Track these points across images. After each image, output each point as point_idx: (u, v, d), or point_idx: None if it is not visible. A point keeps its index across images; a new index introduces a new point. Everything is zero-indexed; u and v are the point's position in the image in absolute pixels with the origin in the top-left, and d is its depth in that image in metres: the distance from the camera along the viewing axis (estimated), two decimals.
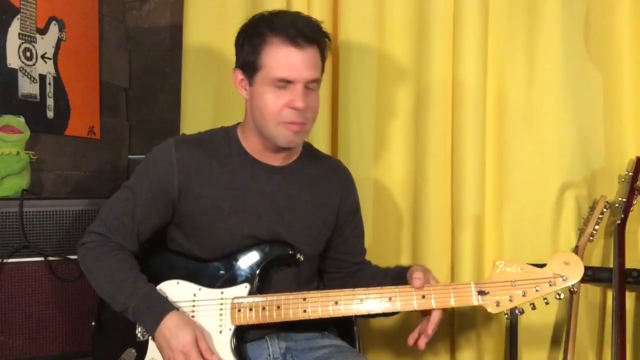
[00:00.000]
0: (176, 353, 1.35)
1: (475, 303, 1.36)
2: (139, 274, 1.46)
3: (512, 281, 1.36)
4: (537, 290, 1.35)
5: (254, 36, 1.45)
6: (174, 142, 1.52)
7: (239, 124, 1.59)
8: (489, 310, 1.36)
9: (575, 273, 1.35)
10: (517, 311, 1.38)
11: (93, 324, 1.56)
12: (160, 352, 1.39)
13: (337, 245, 1.66)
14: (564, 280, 1.35)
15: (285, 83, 1.42)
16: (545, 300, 1.37)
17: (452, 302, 1.38)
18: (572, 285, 1.35)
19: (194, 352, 1.35)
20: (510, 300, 1.35)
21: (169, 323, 1.37)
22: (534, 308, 1.37)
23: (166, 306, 1.40)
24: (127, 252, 1.50)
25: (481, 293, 1.36)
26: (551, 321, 1.98)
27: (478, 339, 2.01)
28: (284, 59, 1.41)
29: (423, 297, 1.38)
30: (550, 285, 1.35)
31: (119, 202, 1.52)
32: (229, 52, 2.20)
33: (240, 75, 1.50)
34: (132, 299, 1.41)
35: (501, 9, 2.02)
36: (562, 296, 1.35)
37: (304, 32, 1.41)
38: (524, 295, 1.35)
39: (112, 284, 1.44)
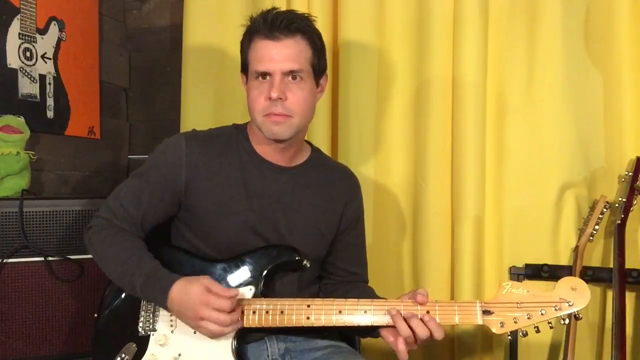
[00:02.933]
0: (198, 309, 1.33)
1: (480, 322, 1.34)
2: (143, 252, 1.46)
3: (517, 303, 1.34)
4: (542, 314, 1.33)
5: (244, 37, 1.51)
6: (184, 136, 1.54)
7: (249, 122, 1.58)
8: (493, 330, 1.34)
9: (581, 299, 1.33)
10: (520, 333, 1.36)
11: (95, 315, 1.55)
12: (185, 322, 1.40)
13: (336, 251, 1.65)
14: (570, 305, 1.33)
15: (265, 76, 1.45)
16: (550, 325, 1.36)
17: (457, 320, 1.37)
18: (577, 311, 1.34)
19: (212, 298, 1.34)
20: (515, 322, 1.34)
21: (176, 290, 1.37)
22: (537, 331, 1.36)
23: (172, 277, 1.40)
24: (132, 234, 1.51)
25: (486, 313, 1.35)
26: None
27: (479, 354, 2.01)
28: (261, 52, 1.45)
29: (428, 312, 1.36)
30: (556, 309, 1.33)
31: (127, 190, 1.53)
32: (229, 52, 2.23)
33: (244, 78, 1.54)
34: (138, 277, 1.41)
35: (501, 9, 2.02)
36: (566, 321, 1.34)
37: (280, 24, 1.43)
38: (528, 318, 1.33)
39: (117, 264, 1.45)
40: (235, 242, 1.50)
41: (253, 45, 1.47)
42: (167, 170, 1.50)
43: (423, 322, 1.35)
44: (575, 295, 1.33)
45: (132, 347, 1.45)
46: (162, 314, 1.46)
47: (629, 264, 1.82)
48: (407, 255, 2.11)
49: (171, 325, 1.45)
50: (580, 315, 1.34)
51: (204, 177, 1.50)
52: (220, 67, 2.26)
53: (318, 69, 1.51)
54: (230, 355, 1.41)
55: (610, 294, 1.88)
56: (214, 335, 1.38)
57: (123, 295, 1.51)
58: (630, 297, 1.90)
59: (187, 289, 1.36)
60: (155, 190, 1.50)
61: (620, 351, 1.71)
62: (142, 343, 1.45)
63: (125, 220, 1.50)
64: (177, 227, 1.58)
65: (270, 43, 1.44)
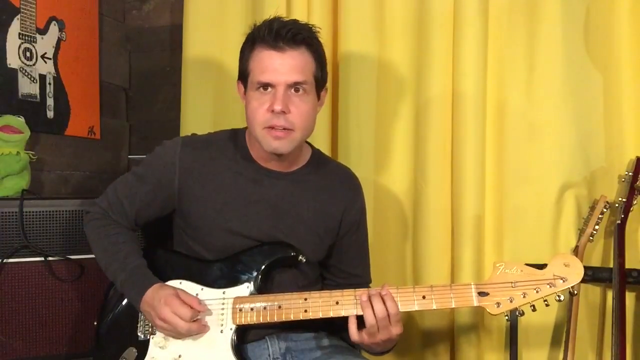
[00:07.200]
0: (160, 309, 1.37)
1: (476, 304, 1.36)
2: (132, 248, 1.51)
3: (512, 282, 1.36)
4: (537, 292, 1.35)
5: (244, 46, 1.48)
6: (181, 141, 1.55)
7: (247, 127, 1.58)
8: (489, 311, 1.36)
9: (575, 275, 1.35)
10: (517, 313, 1.38)
11: (95, 323, 1.56)
12: (151, 322, 1.43)
13: (336, 254, 1.65)
14: (564, 281, 1.35)
15: (267, 87, 1.42)
16: (546, 302, 1.37)
17: (453, 303, 1.38)
18: (572, 287, 1.35)
19: (176, 302, 1.38)
20: (511, 302, 1.35)
21: (151, 293, 1.41)
22: (534, 310, 1.37)
23: (150, 281, 1.44)
24: (125, 227, 1.55)
25: (481, 294, 1.36)
26: (551, 322, 1.99)
27: (478, 340, 2.01)
28: (264, 62, 1.42)
29: (423, 297, 1.38)
30: (550, 286, 1.34)
31: (124, 185, 1.58)
32: (229, 52, 2.23)
33: (241, 87, 1.52)
34: (121, 272, 1.46)
35: (501, 9, 2.02)
36: (562, 298, 1.35)
37: (285, 34, 1.40)
38: (524, 297, 1.35)
39: (106, 255, 1.51)
40: (232, 248, 1.51)
41: (256, 55, 1.44)
42: (161, 174, 1.53)
43: (382, 299, 1.36)
44: (569, 271, 1.35)
45: (133, 351, 1.46)
46: None
47: (629, 264, 1.82)
48: (407, 256, 2.11)
49: None
50: (576, 291, 1.35)
51: (197, 183, 1.51)
52: (220, 67, 2.26)
53: (320, 81, 1.50)
54: (231, 355, 1.41)
55: (610, 294, 1.88)
56: (174, 335, 1.42)
57: (124, 302, 1.53)
58: (630, 297, 1.90)
59: (158, 292, 1.40)
60: (150, 190, 1.54)
61: (621, 351, 1.71)
62: (142, 347, 1.46)
63: (118, 212, 1.55)
64: (177, 233, 1.60)
65: (274, 54, 1.41)
